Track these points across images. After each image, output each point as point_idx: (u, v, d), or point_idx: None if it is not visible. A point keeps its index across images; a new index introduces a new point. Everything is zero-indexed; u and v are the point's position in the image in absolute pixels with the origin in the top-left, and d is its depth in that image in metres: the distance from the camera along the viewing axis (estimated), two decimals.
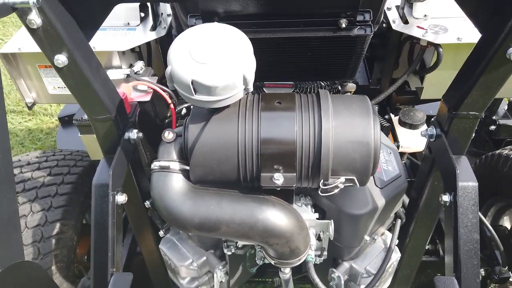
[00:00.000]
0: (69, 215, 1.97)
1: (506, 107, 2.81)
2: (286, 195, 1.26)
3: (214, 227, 1.15)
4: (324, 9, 1.20)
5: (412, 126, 1.95)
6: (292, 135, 1.12)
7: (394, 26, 1.85)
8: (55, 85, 2.02)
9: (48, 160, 2.16)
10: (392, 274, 1.60)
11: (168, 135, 1.22)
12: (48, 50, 1.13)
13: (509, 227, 2.29)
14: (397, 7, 1.98)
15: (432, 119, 1.41)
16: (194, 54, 1.06)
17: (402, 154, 2.14)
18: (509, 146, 2.19)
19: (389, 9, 1.98)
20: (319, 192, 1.17)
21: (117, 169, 1.33)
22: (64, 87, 1.95)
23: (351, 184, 1.17)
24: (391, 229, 1.59)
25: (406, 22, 1.88)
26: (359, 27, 1.23)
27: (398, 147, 1.97)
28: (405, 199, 1.73)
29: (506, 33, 1.06)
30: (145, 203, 1.50)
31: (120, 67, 1.94)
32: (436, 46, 1.77)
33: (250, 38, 1.18)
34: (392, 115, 2.09)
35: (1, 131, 0.95)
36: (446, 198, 1.26)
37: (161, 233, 1.54)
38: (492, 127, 2.76)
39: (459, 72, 1.27)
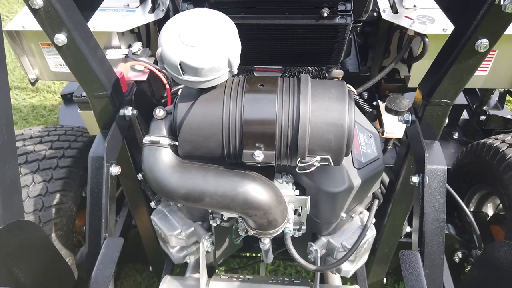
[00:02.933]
0: (69, 187, 2.08)
1: (497, 98, 2.87)
2: (267, 171, 1.36)
3: (198, 198, 1.26)
4: None
5: (398, 113, 2.02)
6: (272, 116, 1.21)
7: (383, 15, 1.92)
8: (57, 62, 2.11)
9: (50, 135, 2.27)
10: (368, 251, 1.70)
11: (159, 112, 1.31)
12: (48, 29, 1.22)
13: (490, 214, 2.38)
14: None
15: None
16: (183, 37, 1.14)
17: (388, 139, 2.23)
18: (494, 136, 2.27)
19: None
20: (297, 169, 1.27)
21: (112, 143, 1.43)
22: (66, 65, 2.05)
23: (326, 163, 1.26)
24: (369, 209, 1.68)
25: (396, 11, 1.95)
26: (340, 16, 1.31)
27: (383, 132, 2.06)
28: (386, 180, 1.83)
29: (475, 26, 1.14)
30: (137, 175, 1.60)
31: (119, 47, 2.02)
32: (423, 36, 1.84)
33: (238, 24, 1.26)
34: (380, 102, 2.17)
35: (4, 102, 1.05)
36: (415, 179, 1.35)
37: (152, 204, 1.65)
38: (482, 117, 2.83)
39: (433, 62, 1.35)
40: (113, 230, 1.43)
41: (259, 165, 1.25)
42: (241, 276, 1.70)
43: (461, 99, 2.79)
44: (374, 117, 2.25)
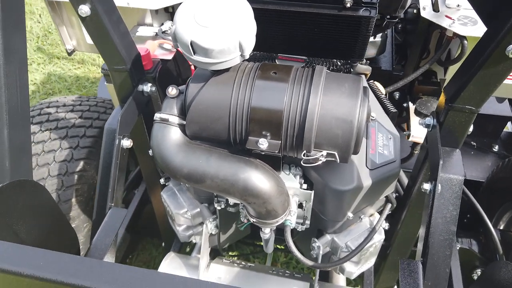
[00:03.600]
0: (93, 156, 2.17)
1: None
2: (273, 161, 1.34)
3: (200, 179, 1.26)
4: None
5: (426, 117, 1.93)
6: (280, 106, 1.19)
7: (422, 13, 1.82)
8: None
9: (81, 104, 2.36)
10: (374, 255, 1.65)
11: (172, 90, 1.32)
12: (73, 0, 1.26)
13: None
14: None
15: None
16: (197, 17, 1.14)
17: (415, 144, 2.13)
18: None
19: None
20: (302, 162, 1.24)
21: (126, 117, 1.46)
22: None
23: (333, 159, 1.22)
24: (381, 212, 1.62)
25: (437, 10, 1.84)
26: (364, 8, 1.25)
27: (408, 136, 1.97)
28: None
29: (507, 29, 1.05)
30: (149, 151, 1.63)
31: (151, 25, 2.06)
32: (462, 38, 1.73)
33: (258, 9, 1.23)
34: (410, 104, 2.08)
35: (20, 66, 1.10)
36: (426, 186, 1.28)
37: (161, 180, 1.68)
38: None
39: (461, 65, 1.27)
40: (119, 200, 1.47)
41: (263, 153, 1.24)
42: (242, 263, 1.70)
43: (506, 110, 2.62)
44: (403, 119, 2.16)
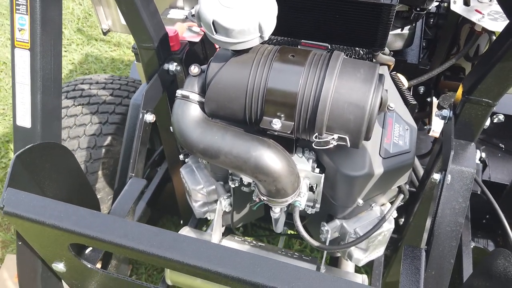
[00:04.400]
0: (120, 132, 2.28)
1: None
2: (287, 143, 1.38)
3: (214, 154, 1.32)
4: None
5: None
6: (295, 88, 1.22)
7: (452, 6, 1.80)
8: None
9: (113, 83, 2.47)
10: (383, 244, 1.66)
11: (194, 69, 1.38)
12: None
13: None
14: None
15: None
16: None
17: (436, 139, 2.11)
18: None
19: None
20: (313, 145, 1.27)
21: (150, 93, 1.54)
22: None
23: (343, 143, 1.25)
24: (393, 202, 1.64)
25: (468, 4, 1.81)
26: None
27: (429, 130, 1.96)
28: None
29: None
30: (170, 128, 1.70)
31: (182, 8, 2.13)
32: (490, 33, 1.70)
33: None
34: (434, 99, 2.06)
35: (55, 36, 1.18)
36: (436, 176, 1.29)
37: (181, 156, 1.76)
38: None
39: (482, 57, 1.26)
40: (140, 172, 1.55)
41: (276, 133, 1.28)
42: (253, 242, 1.75)
43: None
44: (426, 113, 2.14)
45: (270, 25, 1.22)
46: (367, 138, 1.26)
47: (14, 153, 1.20)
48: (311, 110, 1.23)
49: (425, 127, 2.03)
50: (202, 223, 2.40)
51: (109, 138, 2.23)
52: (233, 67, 1.29)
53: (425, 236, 1.32)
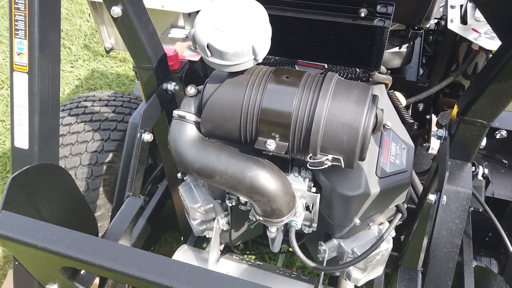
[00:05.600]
0: (122, 149, 2.28)
1: None
2: (283, 163, 1.38)
3: (210, 174, 1.33)
4: None
5: None
6: (289, 109, 1.23)
7: (449, 25, 1.81)
8: None
9: (116, 100, 2.50)
10: (382, 264, 1.65)
11: (190, 89, 1.40)
12: (107, 1, 1.37)
13: None
14: (462, 6, 1.91)
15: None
16: (215, 21, 1.21)
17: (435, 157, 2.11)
18: None
19: (452, 7, 1.92)
20: (308, 165, 1.27)
21: (148, 112, 1.56)
22: None
23: (338, 163, 1.25)
24: (391, 222, 1.63)
25: (465, 23, 1.82)
26: (378, 18, 1.28)
27: (428, 148, 1.95)
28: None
29: None
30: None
31: (183, 28, 2.16)
32: (487, 52, 1.71)
33: (276, 15, 1.28)
34: (433, 116, 2.06)
35: (53, 59, 1.21)
36: (432, 197, 1.28)
37: (179, 175, 1.77)
38: None
39: (475, 78, 1.26)
40: (137, 190, 1.56)
41: (270, 153, 1.28)
42: (251, 260, 1.75)
43: None
44: (425, 131, 2.14)
45: (263, 48, 1.23)
46: (362, 158, 1.27)
47: (12, 174, 1.22)
48: (305, 130, 1.23)
49: (425, 144, 2.03)
50: (202, 240, 2.40)
51: (111, 155, 2.25)
52: (229, 88, 1.31)
53: (422, 257, 1.31)
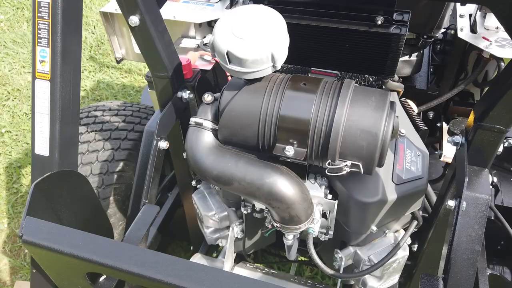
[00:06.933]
0: (132, 158, 2.30)
1: None
2: (299, 170, 1.39)
3: (228, 181, 1.33)
4: (363, 4, 1.28)
5: None
6: (307, 115, 1.24)
7: (459, 34, 1.83)
8: None
9: (125, 109, 2.51)
10: (398, 271, 1.64)
11: (207, 97, 1.41)
12: (125, 11, 1.39)
13: None
14: (470, 15, 1.94)
15: None
16: (234, 29, 1.23)
17: (448, 165, 2.11)
18: None
19: (462, 16, 1.95)
20: (326, 171, 1.28)
21: (164, 120, 1.56)
22: None
23: (357, 169, 1.26)
24: (406, 229, 1.62)
25: (475, 31, 1.84)
26: (395, 25, 1.29)
27: (440, 155, 1.95)
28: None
29: None
30: (183, 154, 1.72)
31: (194, 38, 2.18)
32: (498, 60, 1.72)
33: (292, 23, 1.30)
34: (444, 124, 2.07)
35: (75, 67, 1.22)
36: (451, 203, 1.28)
37: (193, 183, 1.77)
38: None
39: (492, 84, 1.27)
40: (153, 198, 1.56)
41: (289, 160, 1.29)
42: (266, 269, 1.74)
43: None
44: (436, 139, 2.15)
45: (282, 55, 1.25)
46: (380, 164, 1.27)
47: (32, 181, 1.22)
48: (324, 137, 1.24)
49: (436, 152, 2.03)
50: (212, 249, 2.39)
51: (121, 164, 2.25)
52: (246, 95, 1.32)
53: (441, 264, 1.31)
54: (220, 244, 1.85)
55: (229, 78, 2.06)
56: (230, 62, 1.25)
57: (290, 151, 1.26)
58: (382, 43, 1.35)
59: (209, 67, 1.95)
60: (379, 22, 1.28)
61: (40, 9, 1.13)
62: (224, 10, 2.18)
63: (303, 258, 2.58)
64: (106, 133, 2.33)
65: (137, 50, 2.36)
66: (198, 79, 1.85)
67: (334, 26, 1.35)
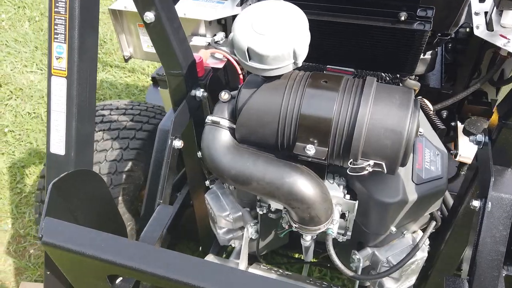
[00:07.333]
0: (141, 157, 2.26)
1: None
2: (318, 169, 1.36)
3: (246, 181, 1.30)
4: (386, 0, 1.26)
5: None
6: (329, 114, 1.21)
7: (476, 32, 1.80)
8: (149, 44, 2.30)
9: (133, 109, 2.48)
10: (416, 273, 1.61)
11: (224, 95, 1.38)
12: (140, 7, 1.35)
13: None
14: (486, 13, 1.91)
15: None
16: (254, 25, 1.20)
17: (462, 164, 2.08)
18: None
19: (477, 14, 1.92)
20: (348, 171, 1.25)
21: (179, 119, 1.53)
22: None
23: (379, 169, 1.23)
24: (424, 230, 1.60)
25: (492, 29, 1.82)
26: (418, 22, 1.26)
27: (456, 155, 1.93)
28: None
29: None
30: (198, 153, 1.69)
31: (204, 35, 2.15)
32: None
33: (312, 19, 1.27)
34: (459, 123, 2.04)
35: (91, 66, 1.19)
36: (476, 203, 1.26)
37: (207, 182, 1.74)
38: None
39: None
40: (167, 198, 1.53)
41: (309, 159, 1.26)
42: (280, 270, 1.71)
43: None
44: (450, 138, 2.12)
45: (304, 51, 1.22)
46: (404, 164, 1.24)
47: (46, 180, 1.19)
48: (346, 135, 1.21)
49: (451, 151, 2.00)
50: (222, 251, 2.35)
51: (130, 163, 2.22)
52: (265, 93, 1.29)
53: (464, 266, 1.28)
54: (233, 245, 1.82)
55: (241, 76, 2.03)
56: (250, 59, 1.22)
57: (311, 150, 1.23)
58: (405, 39, 1.32)
59: (220, 65, 1.92)
60: (402, 18, 1.26)
61: (57, 4, 1.10)
62: (234, 7, 2.14)
63: (311, 260, 2.55)
64: (114, 132, 2.29)
65: (145, 48, 2.33)
66: (210, 78, 1.82)
67: (356, 23, 1.32)
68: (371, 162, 1.22)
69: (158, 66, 4.23)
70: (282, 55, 1.18)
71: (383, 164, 1.21)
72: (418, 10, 1.26)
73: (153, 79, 3.49)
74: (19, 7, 5.36)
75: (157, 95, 3.34)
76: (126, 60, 2.40)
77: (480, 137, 1.37)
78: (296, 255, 2.47)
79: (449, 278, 1.20)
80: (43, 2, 5.37)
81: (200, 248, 2.41)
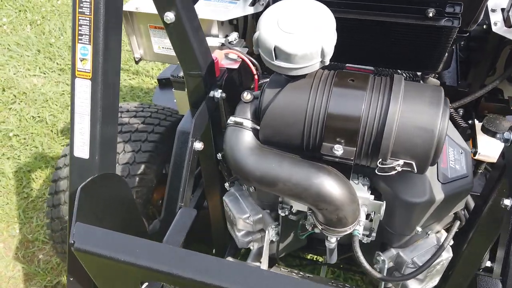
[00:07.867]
0: (153, 160, 2.24)
1: None
2: (344, 170, 1.33)
3: (272, 182, 1.27)
4: None
5: (495, 135, 1.87)
6: (357, 113, 1.19)
7: (494, 29, 1.78)
8: (160, 45, 2.28)
9: (144, 111, 2.45)
10: (440, 273, 1.59)
11: (247, 95, 1.36)
12: (160, 7, 1.33)
13: None
14: (503, 9, 1.89)
15: None
16: (281, 23, 1.17)
17: (479, 163, 2.06)
18: None
19: (493, 10, 1.90)
20: (376, 171, 1.23)
21: (199, 121, 1.51)
22: (166, 48, 2.20)
23: (409, 169, 1.21)
24: (448, 230, 1.57)
25: (510, 26, 1.80)
26: (446, 18, 1.24)
27: (475, 153, 1.91)
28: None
29: None
30: (217, 155, 1.67)
31: (217, 36, 2.13)
32: None
33: (337, 17, 1.25)
34: (476, 121, 2.02)
35: (115, 68, 1.16)
36: (507, 202, 1.23)
37: (226, 185, 1.71)
38: None
39: None
40: (188, 201, 1.50)
41: (337, 160, 1.24)
42: (300, 273, 1.68)
43: None
44: (468, 136, 2.10)
45: (331, 49, 1.20)
46: (434, 163, 1.22)
47: (70, 185, 1.16)
48: (376, 135, 1.19)
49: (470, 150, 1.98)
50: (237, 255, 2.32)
51: (143, 166, 2.19)
52: (291, 92, 1.27)
53: (495, 266, 1.26)
54: (251, 248, 1.79)
55: (255, 76, 2.01)
56: (276, 58, 1.20)
57: (339, 150, 1.21)
58: (432, 36, 1.30)
59: (235, 65, 1.89)
60: (431, 15, 1.24)
61: (81, 4, 1.07)
62: (246, 7, 2.12)
63: (321, 260, 2.52)
64: (126, 135, 2.26)
65: (156, 49, 2.30)
66: (225, 78, 1.79)
67: (382, 20, 1.30)
68: (401, 161, 1.20)
69: (163, 68, 4.21)
70: (311, 53, 1.15)
71: (413, 163, 1.19)
72: (446, 7, 1.24)
73: (159, 81, 3.48)
74: (20, 11, 5.33)
75: (164, 97, 3.33)
76: (136, 62, 2.37)
77: (507, 135, 1.35)
78: (308, 256, 2.44)
79: (482, 278, 1.18)
80: (44, 6, 5.35)
81: (214, 251, 2.39)
